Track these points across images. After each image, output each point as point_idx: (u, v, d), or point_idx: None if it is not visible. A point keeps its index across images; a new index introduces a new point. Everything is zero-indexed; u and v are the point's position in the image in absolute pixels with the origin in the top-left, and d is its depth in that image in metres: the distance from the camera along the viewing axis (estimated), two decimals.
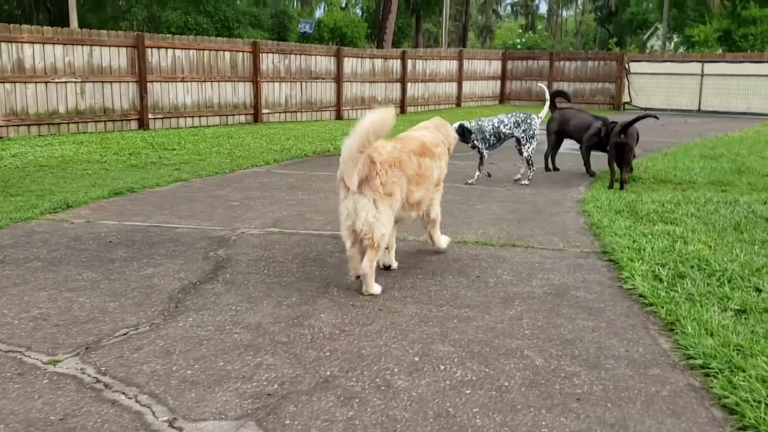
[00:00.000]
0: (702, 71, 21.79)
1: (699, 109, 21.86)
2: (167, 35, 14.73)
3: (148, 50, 13.60)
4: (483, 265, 4.73)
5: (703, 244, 5.22)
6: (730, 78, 21.29)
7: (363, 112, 19.03)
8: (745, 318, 3.69)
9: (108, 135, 12.41)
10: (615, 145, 7.78)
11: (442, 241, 5.02)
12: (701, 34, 31.11)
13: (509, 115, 8.29)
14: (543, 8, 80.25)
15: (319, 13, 48.21)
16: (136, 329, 3.45)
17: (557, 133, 9.36)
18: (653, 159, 10.26)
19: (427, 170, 4.43)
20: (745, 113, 20.89)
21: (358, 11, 50.47)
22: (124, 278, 4.26)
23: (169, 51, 14.04)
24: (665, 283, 4.25)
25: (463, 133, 7.99)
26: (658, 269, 4.52)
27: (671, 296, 4.00)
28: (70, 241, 5.07)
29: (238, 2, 28.34)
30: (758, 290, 4.15)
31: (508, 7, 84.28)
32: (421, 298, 4.03)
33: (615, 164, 7.82)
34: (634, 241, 5.23)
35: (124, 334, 3.38)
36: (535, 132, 8.23)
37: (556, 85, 23.97)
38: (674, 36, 37.25)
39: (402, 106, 20.18)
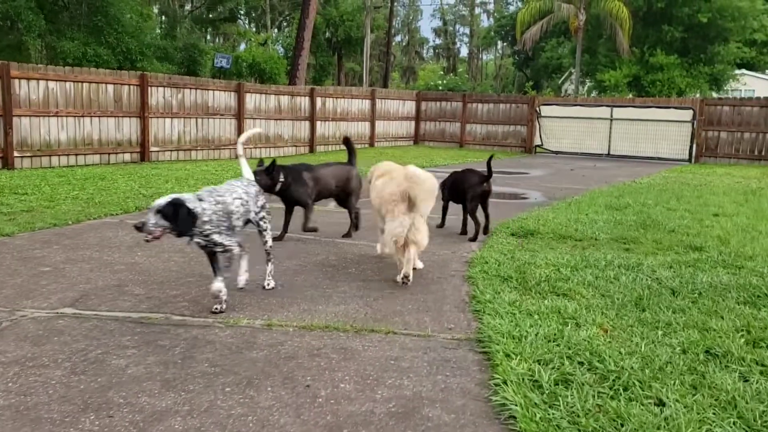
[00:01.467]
0: (611, 115, 21.79)
1: (609, 153, 21.79)
2: (38, 65, 13.28)
3: (15, 81, 12.13)
4: (321, 366, 3.66)
5: (597, 328, 4.33)
6: (639, 123, 21.34)
7: (268, 150, 18.07)
8: None
9: None
10: (482, 194, 7.55)
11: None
12: (612, 79, 31.66)
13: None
14: (464, 52, 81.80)
15: (242, 48, 47.15)
16: None
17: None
18: (556, 209, 9.55)
19: None
20: (653, 158, 20.92)
21: (280, 48, 49.73)
22: None
23: (41, 83, 12.60)
24: (545, 395, 3.29)
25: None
26: (540, 370, 3.57)
27: (549, 419, 3.03)
28: None
29: (145, 34, 26.92)
30: (660, 403, 3.26)
31: (431, 50, 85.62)
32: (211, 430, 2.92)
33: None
34: (516, 325, 4.29)
35: None
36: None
37: (469, 128, 23.62)
38: (587, 81, 38.00)
39: (311, 145, 19.20)
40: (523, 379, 3.48)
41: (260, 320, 4.37)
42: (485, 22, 73.05)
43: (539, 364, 3.69)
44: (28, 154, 12.46)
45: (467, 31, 77.30)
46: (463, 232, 7.70)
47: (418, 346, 4.02)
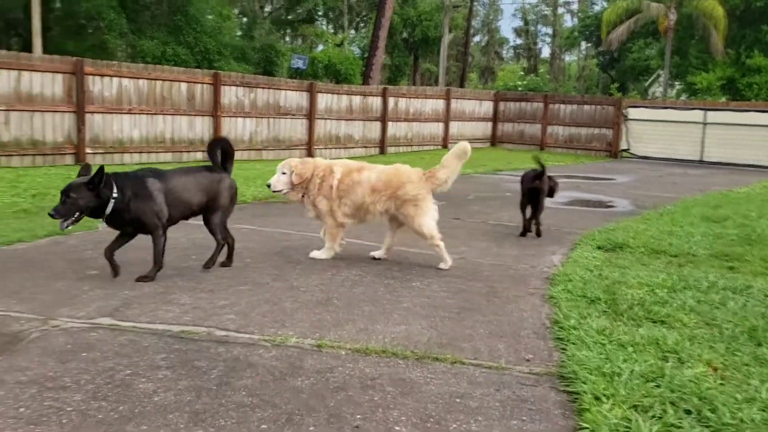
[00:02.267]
0: (705, 119, 20.35)
1: (701, 160, 20.36)
2: (112, 62, 13.36)
3: (89, 78, 12.20)
4: (375, 401, 3.13)
5: (705, 366, 3.63)
6: (736, 128, 19.80)
7: (337, 151, 17.76)
8: None
9: (31, 171, 10.92)
10: (530, 190, 7.36)
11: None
12: (704, 82, 29.81)
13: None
14: (546, 52, 79.78)
15: (318, 49, 47.41)
16: None
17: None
18: (647, 220, 8.70)
19: None
20: (752, 165, 19.37)
21: (356, 49, 49.69)
22: None
23: (115, 80, 12.64)
24: None
25: None
26: (637, 419, 2.93)
27: None
28: None
29: (224, 35, 27.17)
30: None
31: (511, 50, 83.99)
32: None
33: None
34: (607, 359, 3.64)
35: None
36: None
37: (550, 130, 22.65)
38: (676, 83, 36.03)
39: (382, 146, 18.76)
40: (617, 430, 2.85)
41: (311, 339, 3.88)
42: (568, 22, 70.97)
43: (636, 410, 3.05)
44: (101, 151, 12.52)
45: (549, 31, 75.29)
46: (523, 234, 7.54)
47: (490, 381, 3.43)
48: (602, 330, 4.13)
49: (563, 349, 3.90)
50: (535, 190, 7.36)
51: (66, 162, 12.06)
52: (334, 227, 5.92)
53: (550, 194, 7.64)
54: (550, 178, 7.57)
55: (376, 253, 6.11)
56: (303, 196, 5.93)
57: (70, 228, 4.70)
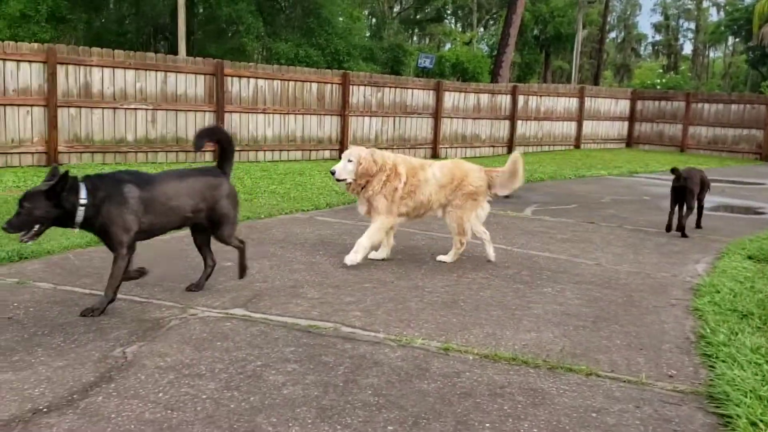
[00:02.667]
0: None
1: None
2: (249, 64, 13.94)
3: (228, 79, 12.81)
4: (504, 410, 2.99)
5: None
6: None
7: (462, 150, 17.59)
8: None
9: (174, 166, 11.59)
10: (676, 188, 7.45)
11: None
12: None
13: None
14: (688, 48, 75.20)
15: (446, 48, 47.34)
16: None
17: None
18: None
19: None
20: None
21: (485, 47, 49.13)
22: None
23: (251, 80, 13.19)
24: None
25: None
26: None
27: None
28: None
29: (353, 36, 27.74)
30: None
31: (649, 47, 79.92)
32: None
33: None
34: (763, 380, 3.29)
35: None
36: None
37: (692, 130, 21.25)
38: None
39: (510, 145, 18.35)
40: None
41: (437, 342, 3.80)
42: (714, 16, 66.54)
43: None
44: (237, 149, 13.04)
45: (692, 26, 70.93)
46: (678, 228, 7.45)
47: (629, 396, 3.19)
48: (757, 348, 3.74)
49: (711, 366, 3.57)
50: (681, 189, 7.44)
51: (206, 159, 12.72)
52: (385, 227, 5.56)
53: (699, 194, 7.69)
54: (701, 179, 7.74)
55: (378, 255, 5.74)
56: (362, 189, 5.55)
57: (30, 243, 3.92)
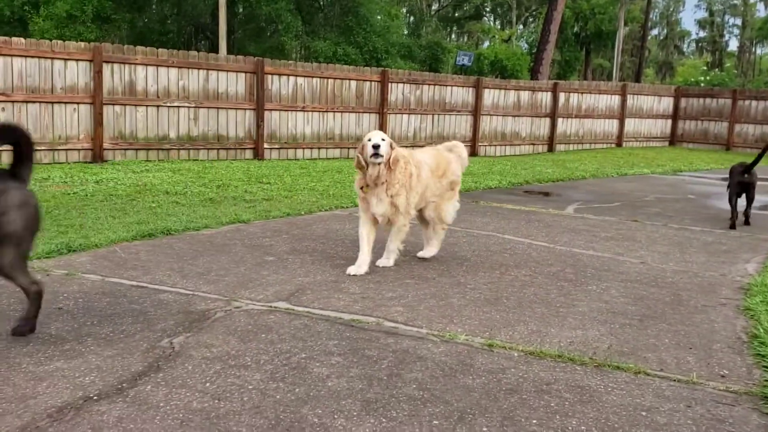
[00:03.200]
0: None
1: None
2: (289, 62, 14.02)
3: (268, 77, 12.91)
4: (551, 407, 2.95)
5: None
6: None
7: (502, 148, 17.44)
8: None
9: (215, 163, 11.77)
10: (739, 183, 7.83)
11: None
12: None
13: None
14: (733, 45, 73.37)
15: (485, 46, 47.07)
16: None
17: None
18: None
19: None
20: None
21: (524, 45, 48.71)
22: (2, 378, 3.01)
23: (290, 78, 13.28)
24: None
25: None
26: None
27: None
28: (11, 304, 3.95)
29: (391, 33, 27.74)
30: None
31: (693, 44, 78.23)
32: None
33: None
34: None
35: None
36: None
37: (738, 128, 20.71)
38: None
39: (550, 143, 18.14)
40: None
41: (480, 338, 3.76)
42: (761, 11, 64.77)
43: None
44: (276, 146, 13.21)
45: (738, 22, 69.16)
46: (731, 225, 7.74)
47: (679, 396, 3.12)
48: None
49: (766, 367, 3.47)
50: (744, 184, 7.86)
51: (246, 156, 12.87)
52: (407, 225, 5.23)
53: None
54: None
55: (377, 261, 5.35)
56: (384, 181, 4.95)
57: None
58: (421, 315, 4.12)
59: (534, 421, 2.81)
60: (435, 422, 2.77)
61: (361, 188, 5.08)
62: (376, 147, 4.84)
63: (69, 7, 22.51)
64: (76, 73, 10.76)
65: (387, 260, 5.28)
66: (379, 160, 4.85)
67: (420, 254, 5.63)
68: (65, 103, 10.70)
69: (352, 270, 4.97)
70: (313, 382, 3.08)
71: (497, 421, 2.80)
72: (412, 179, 5.07)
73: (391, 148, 4.94)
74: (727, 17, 71.16)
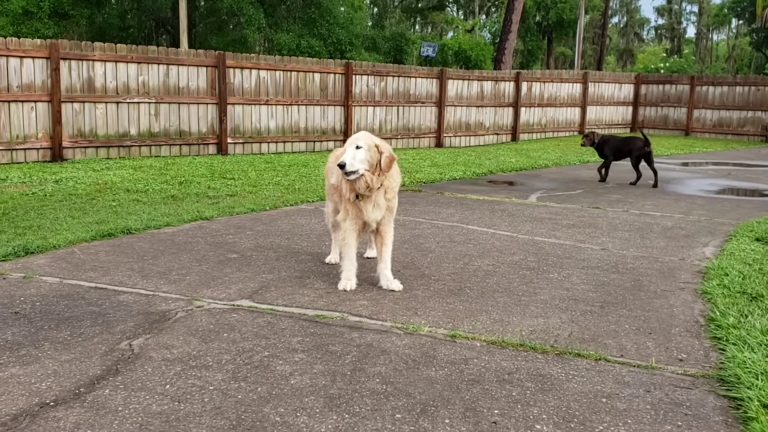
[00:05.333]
0: None
1: None
2: (251, 55, 13.87)
3: (230, 70, 12.77)
4: (513, 396, 2.98)
5: None
6: None
7: (467, 138, 17.53)
8: None
9: (177, 160, 11.61)
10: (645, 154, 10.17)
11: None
12: None
13: None
14: (691, 32, 74.61)
15: (449, 36, 47.11)
16: None
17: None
18: None
19: None
20: None
21: (487, 35, 48.89)
22: None
23: (253, 72, 13.15)
24: None
25: None
26: None
27: None
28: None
29: (355, 25, 27.60)
30: None
31: (652, 31, 79.33)
32: None
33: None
34: None
35: None
36: None
37: (697, 114, 21.12)
38: None
39: (514, 132, 18.29)
40: None
41: (443, 329, 3.78)
42: None
43: None
44: (240, 141, 13.08)
45: (695, 9, 70.33)
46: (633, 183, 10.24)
47: (639, 381, 3.17)
48: (767, 330, 3.71)
49: (722, 349, 3.55)
50: (648, 154, 10.15)
51: (209, 151, 12.72)
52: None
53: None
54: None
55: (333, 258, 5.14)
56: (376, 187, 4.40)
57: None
58: (385, 308, 4.13)
59: (496, 411, 2.84)
60: (398, 416, 2.78)
61: (357, 197, 4.43)
62: (341, 167, 4.25)
63: (25, 3, 21.93)
64: (32, 71, 10.50)
65: (396, 282, 4.58)
66: (353, 177, 4.28)
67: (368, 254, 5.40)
68: (22, 101, 10.44)
69: (347, 285, 4.49)
70: (276, 381, 3.07)
71: (459, 413, 2.82)
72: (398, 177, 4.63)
73: (379, 150, 4.34)
74: (684, 4, 72.31)
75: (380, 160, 4.32)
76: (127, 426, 2.61)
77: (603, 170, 10.69)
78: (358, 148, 4.31)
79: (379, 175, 4.35)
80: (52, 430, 2.58)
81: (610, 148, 10.56)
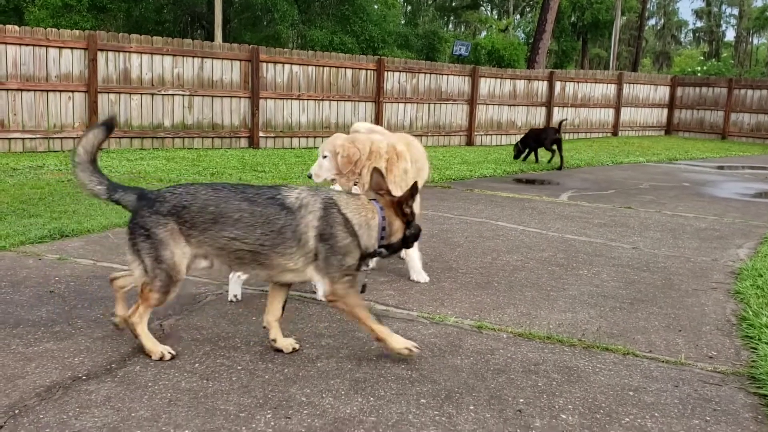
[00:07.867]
0: None
1: None
2: (284, 49, 13.97)
3: (263, 65, 12.87)
4: (538, 387, 2.97)
5: None
6: None
7: (498, 137, 17.43)
8: None
9: (209, 152, 11.75)
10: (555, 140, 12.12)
11: None
12: None
13: None
14: (730, 35, 73.19)
15: (482, 36, 46.94)
16: None
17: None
18: None
19: None
20: None
21: (521, 34, 48.57)
22: None
23: (286, 66, 13.24)
24: None
25: None
26: None
27: None
28: (3, 288, 3.96)
29: (388, 22, 27.65)
30: None
31: (690, 33, 78.04)
32: None
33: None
34: None
35: None
36: None
37: (734, 117, 20.71)
38: None
39: None
40: None
41: (470, 320, 3.78)
42: (758, 1, 64.58)
43: None
44: (272, 135, 13.18)
45: (735, 12, 68.99)
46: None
47: (667, 376, 3.14)
48: None
49: (753, 348, 3.49)
50: (559, 140, 12.16)
51: (241, 145, 12.85)
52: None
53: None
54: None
55: None
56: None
57: None
58: (412, 298, 4.14)
59: (521, 400, 2.83)
60: (422, 400, 2.79)
61: None
62: (309, 177, 4.35)
63: None
64: (70, 62, 10.72)
65: (423, 273, 4.57)
66: (334, 185, 4.19)
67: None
68: (60, 91, 10.66)
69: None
70: (303, 363, 3.10)
71: (484, 400, 2.81)
72: (407, 176, 4.38)
73: (371, 151, 4.24)
74: (724, 7, 70.98)
75: (363, 164, 4.23)
76: (156, 401, 2.67)
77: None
78: (324, 157, 4.35)
79: (353, 174, 4.27)
80: (84, 401, 2.64)
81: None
